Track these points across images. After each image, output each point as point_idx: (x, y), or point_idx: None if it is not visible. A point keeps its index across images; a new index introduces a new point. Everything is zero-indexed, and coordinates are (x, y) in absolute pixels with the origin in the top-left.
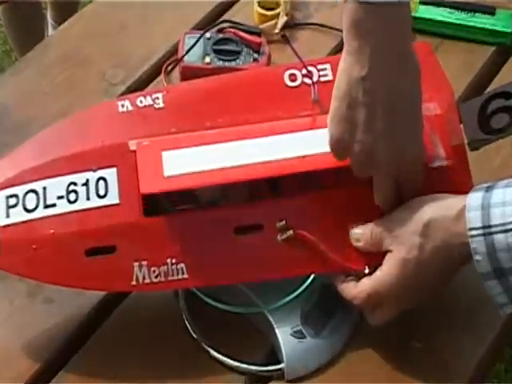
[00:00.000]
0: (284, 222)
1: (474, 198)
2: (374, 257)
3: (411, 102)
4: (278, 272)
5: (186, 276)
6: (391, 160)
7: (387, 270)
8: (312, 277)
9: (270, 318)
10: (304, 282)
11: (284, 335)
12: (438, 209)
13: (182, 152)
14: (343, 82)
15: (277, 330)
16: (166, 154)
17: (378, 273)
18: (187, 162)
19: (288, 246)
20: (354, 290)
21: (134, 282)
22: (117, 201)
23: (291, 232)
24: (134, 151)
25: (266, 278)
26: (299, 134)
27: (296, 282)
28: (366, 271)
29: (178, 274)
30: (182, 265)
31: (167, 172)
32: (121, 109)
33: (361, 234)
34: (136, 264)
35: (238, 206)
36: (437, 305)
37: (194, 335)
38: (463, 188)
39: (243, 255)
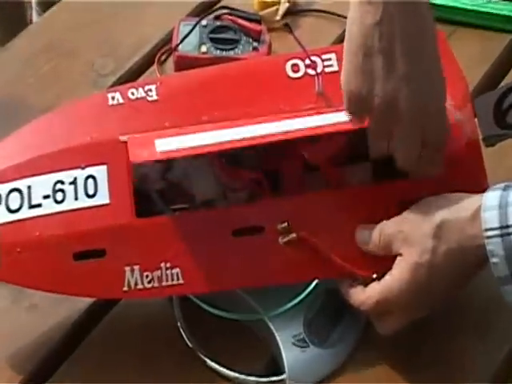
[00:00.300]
0: (286, 223)
1: (491, 198)
2: (383, 261)
3: (430, 43)
4: (279, 277)
5: (181, 281)
6: (415, 110)
7: (398, 274)
8: (316, 281)
9: (271, 326)
10: (307, 286)
11: (286, 344)
12: (451, 209)
13: (177, 138)
14: (356, 32)
15: (278, 339)
16: (159, 141)
17: (387, 278)
18: (181, 140)
19: (290, 250)
20: (362, 295)
21: (125, 288)
22: (107, 201)
23: (294, 235)
24: (125, 142)
25: (267, 283)
26: (303, 119)
27: (299, 287)
28: (374, 276)
29: (172, 279)
30: (177, 269)
31: (159, 148)
32: (111, 101)
33: (368, 236)
34: (127, 268)
35: (236, 207)
36: (450, 310)
37: (190, 344)
38: (478, 186)
39: (242, 259)
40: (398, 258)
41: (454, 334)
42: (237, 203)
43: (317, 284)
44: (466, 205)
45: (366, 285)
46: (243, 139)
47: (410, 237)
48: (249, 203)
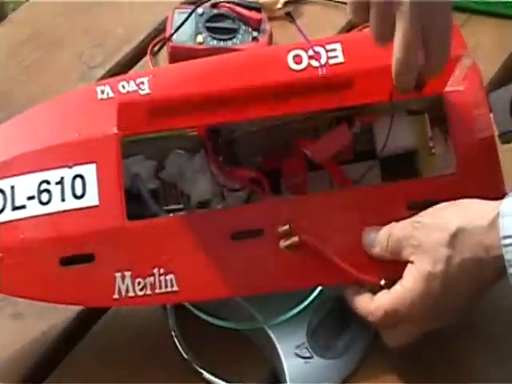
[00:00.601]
0: (288, 226)
1: (509, 204)
2: (391, 266)
3: None
4: (280, 284)
5: (175, 288)
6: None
7: (409, 285)
8: (320, 287)
9: (271, 335)
10: (311, 292)
11: (287, 354)
12: (467, 217)
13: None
14: None
15: (279, 349)
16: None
17: (397, 287)
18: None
19: (292, 254)
20: (370, 305)
21: (115, 296)
22: (96, 202)
23: (296, 238)
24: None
25: (267, 291)
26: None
27: (302, 293)
28: (382, 283)
29: (166, 286)
30: (171, 276)
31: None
32: (100, 95)
33: (376, 239)
34: (118, 275)
35: (235, 208)
36: (465, 325)
37: (185, 355)
38: (493, 188)
39: (241, 264)
40: (409, 266)
41: (466, 351)
42: (235, 204)
43: (322, 290)
44: (483, 213)
45: (374, 292)
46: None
47: (423, 244)
48: (248, 204)
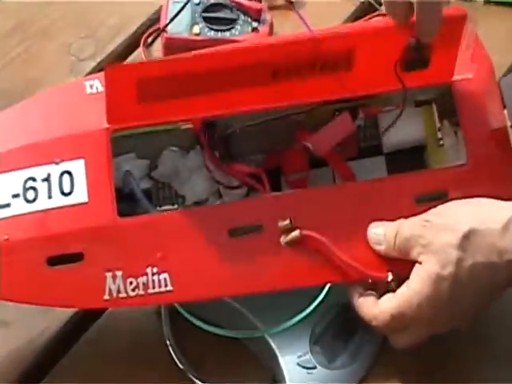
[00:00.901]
0: (288, 220)
1: None
2: (399, 265)
3: None
4: (281, 282)
5: (169, 288)
6: None
7: (416, 286)
8: (325, 291)
9: (272, 344)
10: (314, 299)
11: (289, 365)
12: (480, 218)
13: None
14: None
15: (280, 359)
16: None
17: (404, 289)
18: None
19: (293, 251)
20: (374, 308)
21: (106, 297)
22: (85, 199)
23: (297, 233)
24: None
25: (268, 289)
26: None
27: (304, 299)
28: (389, 278)
29: (160, 285)
30: (165, 275)
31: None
32: (89, 90)
33: (383, 235)
34: (109, 274)
35: (232, 203)
36: (474, 331)
37: (180, 364)
38: (506, 181)
39: (239, 262)
40: (417, 267)
41: (477, 360)
42: (232, 200)
43: (326, 295)
44: (497, 214)
45: (379, 296)
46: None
47: (432, 244)
48: (246, 199)
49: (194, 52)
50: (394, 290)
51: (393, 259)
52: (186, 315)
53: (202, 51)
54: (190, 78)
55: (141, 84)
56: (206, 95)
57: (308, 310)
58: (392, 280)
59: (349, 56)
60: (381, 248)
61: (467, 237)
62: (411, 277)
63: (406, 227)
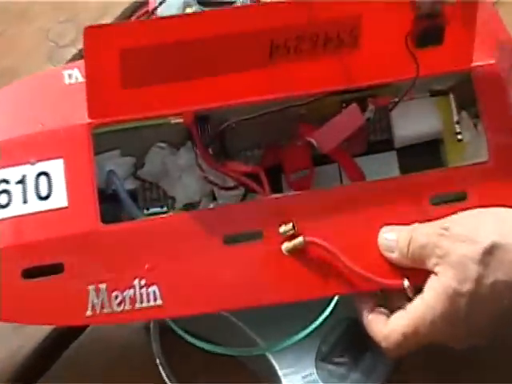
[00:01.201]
0: (290, 225)
1: None
2: (414, 273)
3: None
4: (283, 295)
5: (159, 302)
6: None
7: (430, 301)
8: (333, 304)
9: (274, 362)
10: (322, 311)
11: None
12: (504, 230)
13: None
14: None
15: (283, 379)
16: None
17: (417, 304)
18: None
19: (296, 259)
20: (385, 327)
21: (89, 313)
22: (64, 203)
23: (300, 240)
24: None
25: (268, 303)
26: None
27: (310, 312)
28: (406, 284)
29: (148, 299)
30: (155, 287)
31: None
32: (68, 80)
33: (395, 241)
34: (91, 288)
35: (228, 206)
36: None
37: None
38: None
39: (236, 273)
40: (432, 278)
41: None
42: (227, 203)
43: (334, 308)
44: None
45: (390, 313)
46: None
47: (450, 256)
48: (243, 202)
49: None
50: (410, 299)
51: (407, 269)
52: (178, 331)
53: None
54: (179, 48)
55: (125, 56)
56: (198, 79)
57: (314, 325)
58: (409, 287)
59: (354, 28)
60: (392, 255)
61: (489, 251)
62: (425, 289)
63: (422, 234)
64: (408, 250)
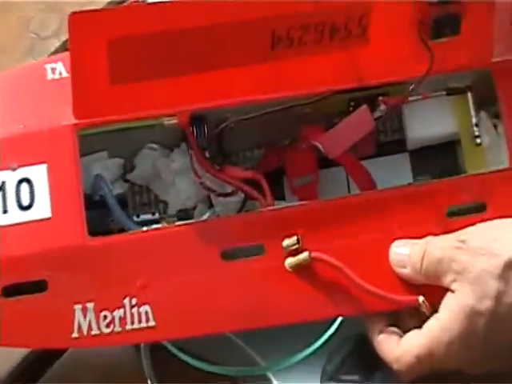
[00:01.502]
0: (295, 238)
1: None
2: (430, 290)
3: None
4: (286, 316)
5: (152, 324)
6: None
7: (446, 321)
8: (338, 321)
9: (276, 383)
10: (327, 328)
11: None
12: None
13: None
14: None
15: None
16: None
17: (432, 324)
18: None
19: (301, 277)
20: (397, 348)
21: (75, 334)
22: (48, 214)
23: (305, 255)
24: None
25: (270, 324)
26: None
27: (314, 329)
28: (420, 300)
29: (140, 320)
30: (147, 307)
31: None
32: (51, 75)
33: (407, 255)
34: (78, 307)
35: (226, 218)
36: None
37: None
38: None
39: (235, 291)
40: (449, 296)
41: None
42: (226, 213)
43: (340, 325)
44: None
45: (403, 333)
46: None
47: (468, 271)
48: (243, 213)
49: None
50: (424, 318)
51: (420, 286)
52: (171, 348)
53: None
54: (173, 38)
55: (114, 47)
56: (193, 74)
57: (319, 343)
58: (423, 302)
59: (363, 16)
60: (405, 271)
61: (510, 266)
62: (441, 308)
63: (436, 247)
64: (421, 265)
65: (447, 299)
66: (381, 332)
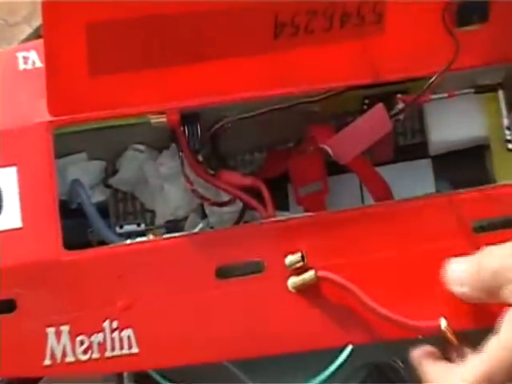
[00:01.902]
0: (299, 255)
1: None
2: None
3: None
4: (288, 343)
5: (135, 350)
6: None
7: (508, 341)
8: (349, 350)
9: None
10: (335, 357)
11: None
12: None
13: None
14: None
15: None
16: None
17: (492, 345)
18: None
19: (305, 298)
20: (450, 376)
21: (47, 362)
22: (18, 224)
23: (311, 273)
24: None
25: (270, 353)
26: None
27: (321, 358)
28: (444, 325)
29: (122, 346)
30: (129, 331)
31: None
32: (23, 65)
33: (464, 271)
34: (51, 330)
35: (222, 231)
36: None
37: None
38: None
39: (231, 314)
40: (510, 312)
41: None
42: (221, 225)
43: (351, 353)
44: None
45: (451, 359)
46: None
47: None
48: (240, 225)
49: None
50: (454, 343)
51: (470, 311)
52: (157, 377)
53: None
54: (162, 23)
55: (93, 33)
56: (184, 65)
57: (326, 374)
58: (446, 328)
59: (378, 2)
60: (462, 291)
61: None
62: (503, 326)
63: (493, 258)
64: (477, 280)
65: (509, 315)
66: (428, 355)
